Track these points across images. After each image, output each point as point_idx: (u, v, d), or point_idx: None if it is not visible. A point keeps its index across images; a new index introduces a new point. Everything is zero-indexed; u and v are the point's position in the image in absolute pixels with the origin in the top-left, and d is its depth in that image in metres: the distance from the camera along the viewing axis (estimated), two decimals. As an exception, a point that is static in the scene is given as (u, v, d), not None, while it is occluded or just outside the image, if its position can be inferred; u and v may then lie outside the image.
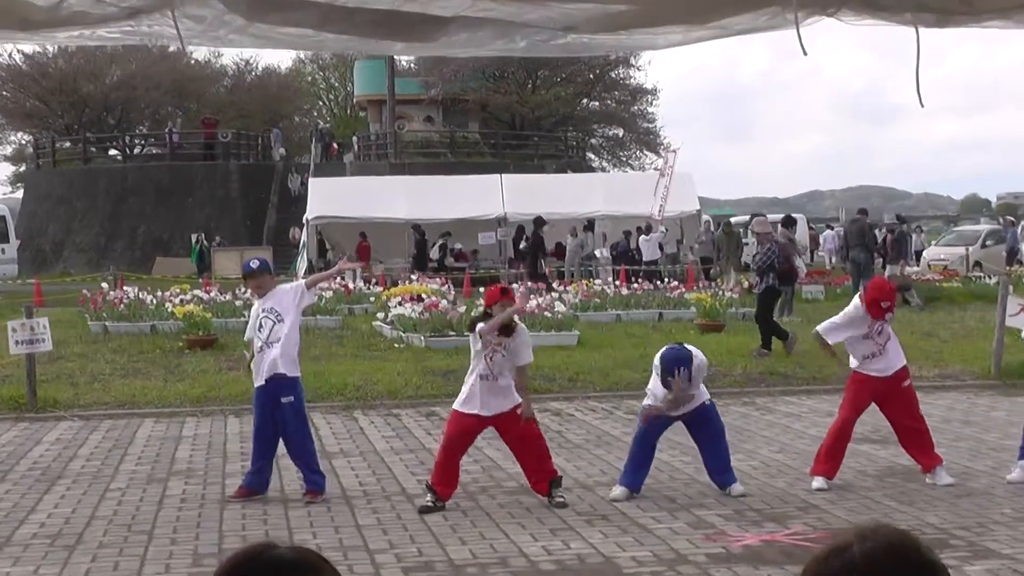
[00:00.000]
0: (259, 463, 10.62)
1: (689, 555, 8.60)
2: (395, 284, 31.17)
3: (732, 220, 50.10)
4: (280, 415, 10.45)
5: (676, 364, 10.16)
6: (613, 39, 3.34)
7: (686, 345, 10.64)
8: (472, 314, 10.83)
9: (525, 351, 10.21)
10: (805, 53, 2.88)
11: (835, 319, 10.95)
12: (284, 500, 10.56)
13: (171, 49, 71.06)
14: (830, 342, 10.72)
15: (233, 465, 12.11)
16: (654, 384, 10.46)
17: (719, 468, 10.54)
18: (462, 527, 9.53)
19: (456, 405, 10.35)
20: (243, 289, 26.99)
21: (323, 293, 27.64)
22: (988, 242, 43.89)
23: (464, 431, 10.27)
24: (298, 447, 10.57)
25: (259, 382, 10.57)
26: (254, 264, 10.81)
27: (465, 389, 10.26)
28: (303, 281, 11.02)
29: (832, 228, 56.19)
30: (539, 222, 34.92)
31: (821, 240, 55.96)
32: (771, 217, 56.74)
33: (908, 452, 10.91)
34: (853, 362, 10.81)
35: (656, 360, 10.33)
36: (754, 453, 12.35)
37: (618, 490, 10.40)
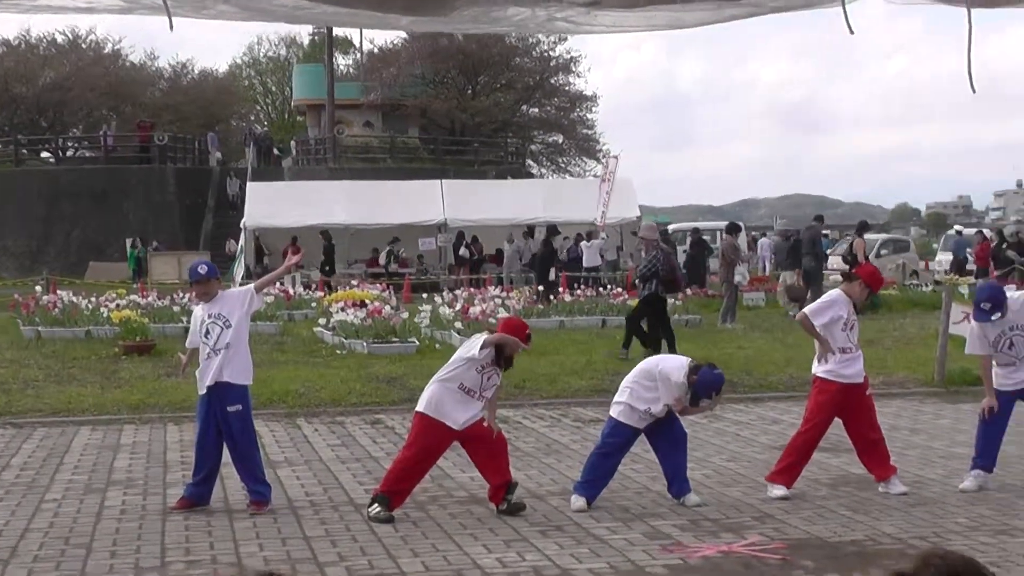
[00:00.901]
0: (202, 473, 10.33)
1: (647, 567, 8.42)
2: (335, 290, 30.89)
3: (669, 228, 50.22)
4: (226, 424, 10.17)
5: (714, 387, 10.20)
6: (639, 16, 3.15)
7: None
8: (487, 330, 10.58)
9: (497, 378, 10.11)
10: (852, 31, 2.71)
11: (817, 302, 10.90)
12: (228, 511, 10.27)
13: (105, 50, 70.43)
14: (816, 323, 10.55)
15: (174, 475, 11.81)
16: (662, 392, 10.19)
17: (676, 477, 10.37)
18: (413, 538, 9.30)
19: (427, 410, 9.95)
20: (181, 294, 26.66)
21: (264, 299, 27.32)
22: (883, 251, 44.27)
23: (440, 443, 10.04)
24: (244, 457, 10.30)
25: (203, 389, 10.28)
26: (202, 269, 10.48)
27: (435, 395, 9.93)
28: (252, 285, 10.72)
29: (766, 236, 56.37)
30: (552, 230, 34.60)
31: (757, 247, 56.12)
32: (711, 224, 57.06)
33: (863, 462, 10.80)
34: (818, 368, 10.63)
35: (682, 376, 10.11)
36: (705, 461, 12.20)
37: (579, 501, 10.21)
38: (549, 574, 8.31)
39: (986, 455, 10.68)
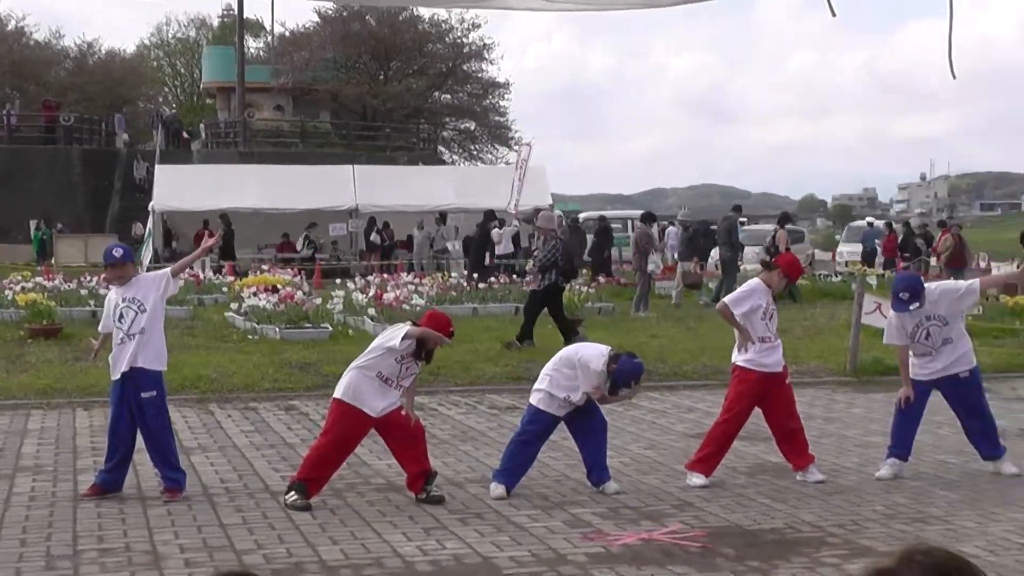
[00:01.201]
0: (114, 459, 10.12)
1: (568, 555, 8.38)
2: (245, 275, 30.58)
3: (580, 216, 50.31)
4: (140, 411, 9.97)
5: (634, 376, 10.20)
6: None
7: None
8: (410, 321, 10.41)
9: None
10: (834, 14, 2.65)
11: (736, 292, 10.98)
12: (142, 498, 10.09)
13: (8, 27, 69.15)
14: (736, 313, 10.56)
15: (84, 460, 11.59)
16: (581, 380, 10.15)
17: (595, 465, 10.35)
18: (331, 526, 9.20)
19: (345, 397, 9.84)
20: (88, 277, 26.24)
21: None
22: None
23: (357, 430, 9.93)
24: (158, 444, 10.11)
25: (116, 375, 10.07)
26: (117, 253, 10.23)
27: (353, 382, 9.84)
28: (168, 269, 10.50)
29: (674, 225, 56.59)
30: (489, 215, 34.22)
31: (665, 236, 56.34)
32: (621, 213, 57.24)
33: (782, 451, 10.85)
34: (738, 357, 10.65)
35: (601, 365, 10.07)
36: (623, 449, 12.20)
37: (498, 489, 10.13)
38: (471, 562, 8.24)
39: (901, 444, 10.78)
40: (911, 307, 10.41)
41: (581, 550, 8.50)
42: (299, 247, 41.65)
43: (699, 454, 10.69)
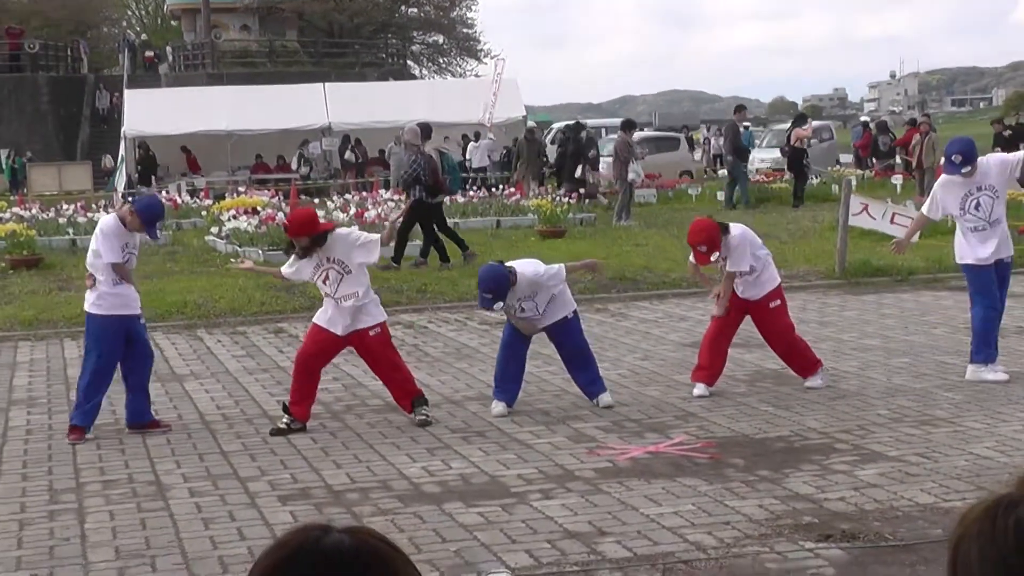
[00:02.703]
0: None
1: (576, 470, 8.31)
2: (221, 198, 30.28)
3: (553, 126, 49.92)
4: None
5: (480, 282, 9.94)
6: None
7: (514, 264, 10.07)
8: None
9: (362, 253, 9.71)
10: None
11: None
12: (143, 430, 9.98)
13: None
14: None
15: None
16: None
17: (587, 380, 10.25)
18: (334, 449, 9.12)
19: (316, 318, 9.90)
20: (64, 206, 25.98)
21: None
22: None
23: (321, 349, 9.81)
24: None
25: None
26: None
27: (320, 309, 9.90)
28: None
29: (645, 131, 56.18)
30: (579, 127, 33.22)
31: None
32: (594, 122, 56.89)
33: (787, 364, 10.73)
34: None
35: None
36: (619, 361, 12.12)
37: (499, 406, 10.05)
38: (478, 481, 8.17)
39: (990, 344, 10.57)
40: (963, 170, 10.15)
41: (588, 465, 8.44)
42: (294, 166, 41.36)
43: (698, 363, 10.57)
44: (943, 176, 10.57)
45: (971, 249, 10.38)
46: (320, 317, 9.81)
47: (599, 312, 15.45)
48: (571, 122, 37.53)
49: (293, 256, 9.81)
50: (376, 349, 9.77)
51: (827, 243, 19.12)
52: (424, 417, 9.78)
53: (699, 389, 10.41)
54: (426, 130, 20.16)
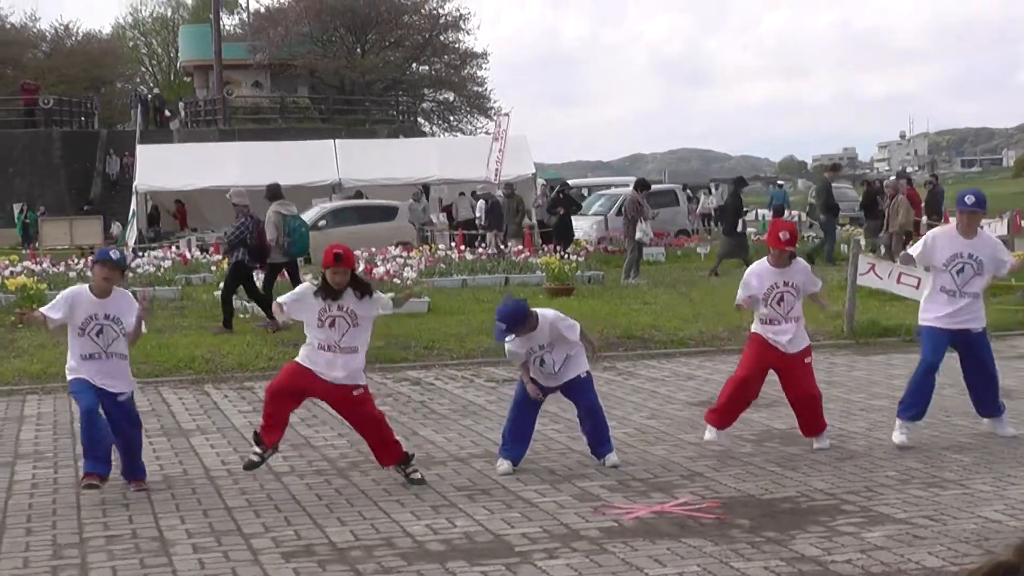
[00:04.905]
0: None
1: (581, 530, 8.27)
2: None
3: (571, 183, 49.98)
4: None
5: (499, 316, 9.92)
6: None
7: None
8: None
9: (376, 305, 9.68)
10: None
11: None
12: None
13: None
14: (738, 299, 10.49)
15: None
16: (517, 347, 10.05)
17: (598, 441, 10.21)
18: (338, 506, 9.08)
19: (298, 359, 9.60)
20: (75, 260, 26.06)
21: (160, 263, 26.80)
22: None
23: (299, 386, 9.51)
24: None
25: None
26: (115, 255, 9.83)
27: (305, 350, 9.59)
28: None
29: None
30: (740, 182, 33.18)
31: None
32: (603, 180, 56.92)
33: (805, 420, 10.63)
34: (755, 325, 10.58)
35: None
36: (626, 420, 12.09)
37: (504, 464, 10.01)
38: (482, 540, 8.12)
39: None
40: (976, 209, 10.21)
41: (593, 525, 8.39)
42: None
43: (715, 406, 10.52)
44: (947, 228, 10.58)
45: (932, 310, 10.48)
46: (304, 358, 9.54)
47: (607, 370, 15.42)
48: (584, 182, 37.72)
49: (302, 287, 9.66)
50: (361, 408, 9.61)
51: (835, 303, 19.06)
52: (418, 476, 9.71)
53: (710, 434, 10.36)
54: (274, 191, 20.14)
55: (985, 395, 10.75)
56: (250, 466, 9.63)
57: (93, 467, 9.51)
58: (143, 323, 9.83)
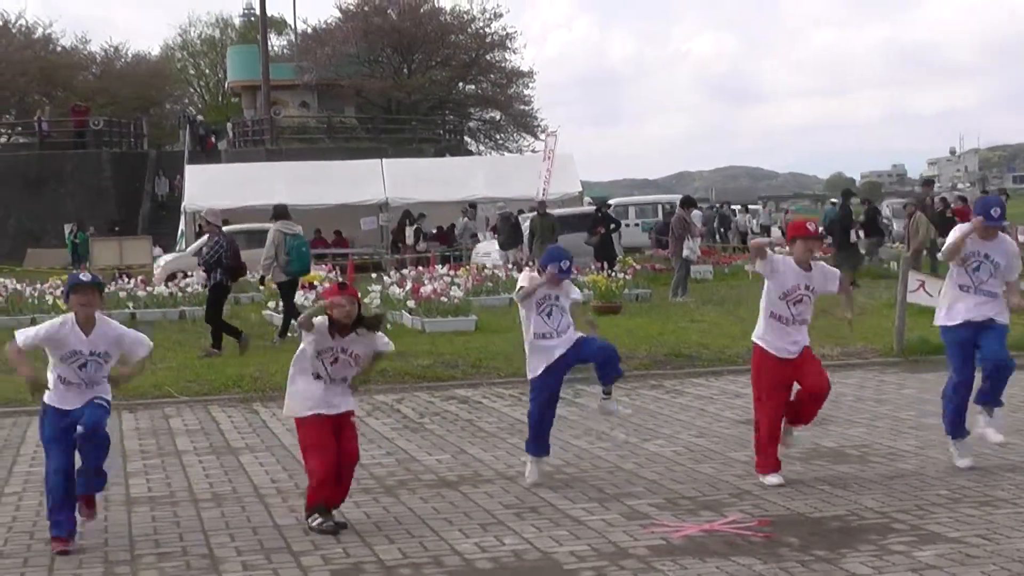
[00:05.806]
0: None
1: (629, 548, 8.24)
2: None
3: (611, 201, 49.97)
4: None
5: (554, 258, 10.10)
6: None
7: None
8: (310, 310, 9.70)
9: (379, 343, 9.46)
10: None
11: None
12: (194, 500, 10.03)
13: (36, 35, 69.37)
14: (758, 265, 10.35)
15: (134, 464, 11.55)
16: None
17: (604, 375, 10.24)
18: (387, 524, 9.09)
19: (297, 413, 9.31)
20: (127, 278, 26.27)
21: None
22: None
23: (325, 434, 9.09)
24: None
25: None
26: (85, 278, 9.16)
27: (297, 390, 9.32)
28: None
29: (701, 209, 56.27)
30: (847, 194, 33.06)
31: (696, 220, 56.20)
32: (651, 199, 56.93)
33: (806, 408, 10.34)
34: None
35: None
36: (675, 438, 12.05)
37: (532, 471, 10.27)
38: (530, 558, 8.11)
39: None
40: (1004, 223, 10.19)
41: (642, 543, 8.37)
42: (409, 241, 42.23)
43: (759, 451, 10.24)
44: (970, 226, 10.35)
45: (945, 309, 10.39)
46: (304, 407, 9.22)
47: (654, 388, 15.40)
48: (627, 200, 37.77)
49: (314, 337, 9.14)
50: (352, 435, 9.28)
51: (885, 320, 18.97)
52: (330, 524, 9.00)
53: (773, 479, 10.12)
54: (281, 211, 20.41)
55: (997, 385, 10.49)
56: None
57: (60, 531, 8.71)
58: (143, 365, 9.53)
